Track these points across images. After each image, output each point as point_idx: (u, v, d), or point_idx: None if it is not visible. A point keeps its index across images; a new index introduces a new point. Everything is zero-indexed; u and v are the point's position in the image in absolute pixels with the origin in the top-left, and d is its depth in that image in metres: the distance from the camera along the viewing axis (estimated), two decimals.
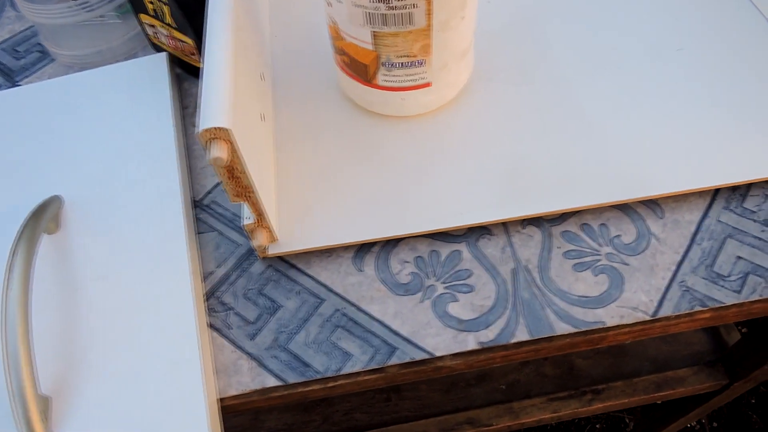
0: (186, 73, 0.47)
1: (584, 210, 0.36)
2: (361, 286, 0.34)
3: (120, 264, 0.35)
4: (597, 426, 1.13)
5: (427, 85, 0.37)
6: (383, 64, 0.35)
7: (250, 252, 0.36)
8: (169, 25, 0.43)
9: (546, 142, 0.38)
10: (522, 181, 0.36)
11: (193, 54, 0.44)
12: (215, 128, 0.26)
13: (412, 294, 0.34)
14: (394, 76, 0.36)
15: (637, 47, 0.42)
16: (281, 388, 0.32)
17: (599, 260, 0.34)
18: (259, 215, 0.32)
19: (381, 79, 0.36)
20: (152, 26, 0.45)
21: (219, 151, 0.26)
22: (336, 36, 0.36)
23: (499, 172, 0.37)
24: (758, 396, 1.16)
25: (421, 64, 0.35)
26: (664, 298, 0.32)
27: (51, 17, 0.45)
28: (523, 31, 0.44)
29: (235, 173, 0.29)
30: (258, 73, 0.37)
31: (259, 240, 0.33)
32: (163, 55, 0.46)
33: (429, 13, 0.32)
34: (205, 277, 0.35)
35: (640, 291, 0.33)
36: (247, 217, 0.33)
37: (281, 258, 0.36)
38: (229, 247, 0.37)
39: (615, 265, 0.34)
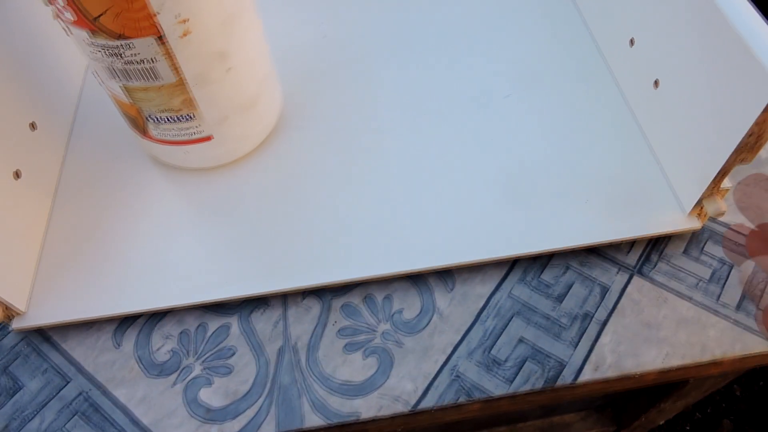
0: None
1: (371, 281, 0.33)
2: (114, 365, 0.31)
3: None
4: None
5: (208, 138, 0.34)
6: (148, 118, 0.32)
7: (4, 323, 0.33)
8: None
9: (340, 203, 0.35)
10: (309, 247, 0.33)
11: None
12: None
13: (167, 375, 0.31)
14: (165, 129, 0.33)
15: (464, 94, 0.39)
16: None
17: (373, 339, 0.31)
18: None
19: (153, 132, 0.33)
20: None
21: None
22: (103, 85, 0.33)
23: (285, 236, 0.34)
24: (693, 423, 1.15)
25: (189, 118, 0.32)
26: (431, 387, 0.29)
27: None
28: (351, 72, 0.41)
29: None
30: (23, 123, 0.34)
31: None
32: None
33: (175, 68, 0.29)
34: None
35: (407, 377, 0.30)
36: None
37: (38, 330, 0.33)
38: None
39: (389, 345, 0.31)
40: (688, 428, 1.15)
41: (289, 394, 0.30)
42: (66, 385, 0.31)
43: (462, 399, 0.29)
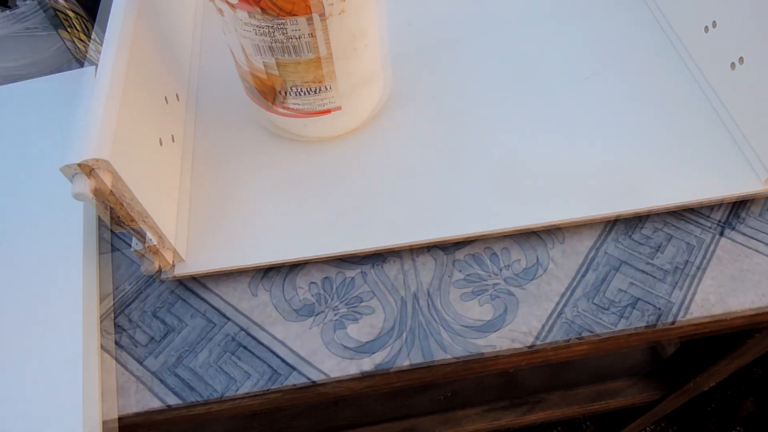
0: None
1: (483, 237, 0.37)
2: (266, 307, 0.35)
3: (8, 276, 0.35)
4: (556, 429, 1.15)
5: (336, 109, 0.38)
6: (289, 91, 0.36)
7: (160, 270, 0.37)
8: (84, 32, 0.43)
9: (451, 169, 0.39)
10: (424, 206, 0.37)
11: None
12: (94, 159, 0.27)
13: (308, 317, 0.35)
14: (301, 101, 0.37)
15: (548, 74, 0.43)
16: (182, 408, 0.33)
17: (491, 287, 0.35)
18: (159, 238, 0.33)
19: (290, 103, 0.37)
20: (71, 41, 0.46)
21: (82, 187, 0.27)
22: (237, 64, 0.37)
23: (402, 197, 0.38)
24: (716, 402, 1.19)
25: (327, 89, 0.36)
26: (546, 328, 0.33)
27: None
28: (440, 55, 0.45)
29: (119, 202, 0.29)
30: (163, 95, 0.38)
31: (154, 264, 0.34)
32: (90, 69, 0.46)
33: (327, 42, 0.33)
34: (103, 298, 0.36)
35: (524, 320, 0.34)
36: (136, 243, 0.33)
37: (188, 279, 0.37)
38: (129, 269, 0.37)
39: (505, 293, 0.35)
40: (709, 408, 1.19)
41: (424, 331, 0.34)
42: (226, 323, 0.35)
43: (575, 338, 0.33)
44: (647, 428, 1.17)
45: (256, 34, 0.32)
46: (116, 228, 0.30)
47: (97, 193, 0.27)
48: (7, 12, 0.45)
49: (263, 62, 0.34)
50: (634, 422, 0.76)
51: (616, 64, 0.43)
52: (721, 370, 0.60)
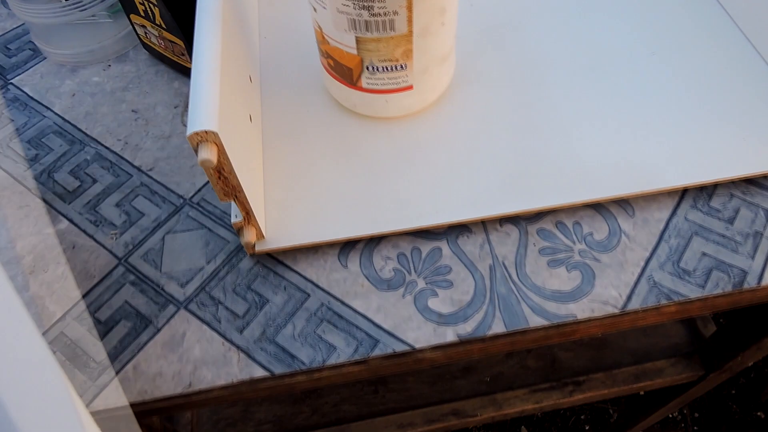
0: (176, 72, 0.48)
1: (559, 209, 0.37)
2: (345, 282, 0.36)
3: None
4: (582, 417, 1.16)
5: (409, 88, 0.38)
6: (367, 68, 0.37)
7: (239, 248, 0.38)
8: (159, 26, 0.44)
9: (523, 144, 0.39)
10: (500, 180, 0.38)
11: (183, 54, 0.45)
12: (204, 131, 0.27)
13: (394, 289, 0.35)
14: (377, 79, 0.37)
15: (612, 51, 0.44)
16: (269, 380, 0.33)
17: (572, 257, 0.36)
18: (247, 214, 0.33)
19: (364, 81, 0.38)
20: (143, 26, 0.46)
21: (207, 154, 0.27)
22: (322, 40, 0.37)
23: (478, 172, 0.38)
24: (738, 387, 1.19)
25: (403, 68, 0.37)
26: (633, 293, 0.34)
27: (42, 16, 0.46)
28: (503, 34, 0.46)
29: (223, 174, 0.30)
30: (246, 75, 0.38)
31: (247, 237, 0.34)
32: None
33: (410, 20, 0.34)
34: (195, 272, 0.37)
35: (610, 286, 0.34)
36: (236, 215, 0.34)
37: (269, 254, 0.37)
38: (219, 244, 0.38)
39: (587, 261, 0.35)
40: (733, 392, 1.20)
41: (509, 301, 0.34)
42: (308, 299, 0.35)
43: (663, 301, 0.34)
44: (669, 414, 1.19)
45: (353, 8, 0.33)
46: (225, 199, 0.31)
47: (206, 163, 0.28)
48: (65, 1, 0.46)
49: (351, 38, 0.35)
50: (673, 401, 0.76)
51: (679, 41, 0.44)
52: (764, 347, 0.60)
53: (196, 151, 0.28)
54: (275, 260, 0.37)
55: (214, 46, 0.31)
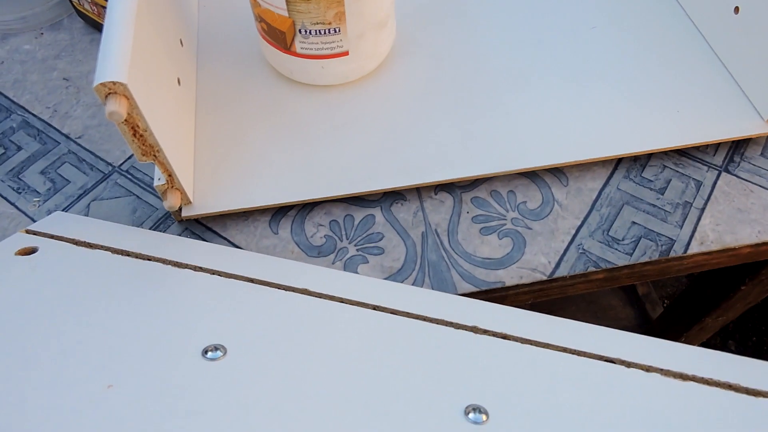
0: None
1: (494, 177, 0.37)
2: (275, 249, 0.35)
3: None
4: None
5: (345, 53, 0.38)
6: (299, 31, 0.36)
7: (168, 215, 0.37)
8: None
9: (461, 114, 0.39)
10: (436, 149, 0.37)
11: None
12: (111, 82, 0.26)
13: (325, 255, 0.35)
14: (310, 43, 0.37)
15: (553, 25, 0.44)
16: None
17: (504, 225, 0.35)
18: (170, 176, 0.32)
19: (298, 46, 0.37)
20: None
21: (115, 106, 0.26)
22: (254, 3, 0.36)
23: (415, 141, 0.38)
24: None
25: (336, 32, 0.36)
26: (562, 260, 0.34)
27: None
28: (444, 7, 0.45)
29: (138, 131, 0.29)
30: (176, 38, 0.37)
31: (171, 201, 0.33)
32: None
33: None
34: None
35: (540, 253, 0.34)
36: (159, 178, 0.33)
37: (197, 221, 0.36)
38: (146, 211, 0.37)
39: (519, 229, 0.35)
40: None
41: (439, 267, 0.34)
42: None
43: (591, 268, 0.34)
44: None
45: None
46: (143, 159, 0.30)
47: (114, 116, 0.27)
48: None
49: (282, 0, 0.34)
50: None
51: (618, 14, 0.44)
52: (706, 327, 0.61)
53: (104, 103, 0.27)
54: (204, 227, 0.36)
55: (130, 3, 0.29)
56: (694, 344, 0.64)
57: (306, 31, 0.36)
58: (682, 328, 0.63)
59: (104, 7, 0.43)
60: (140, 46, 0.29)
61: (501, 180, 0.37)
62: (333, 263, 0.34)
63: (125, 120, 0.28)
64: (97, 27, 0.46)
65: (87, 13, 0.45)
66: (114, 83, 0.26)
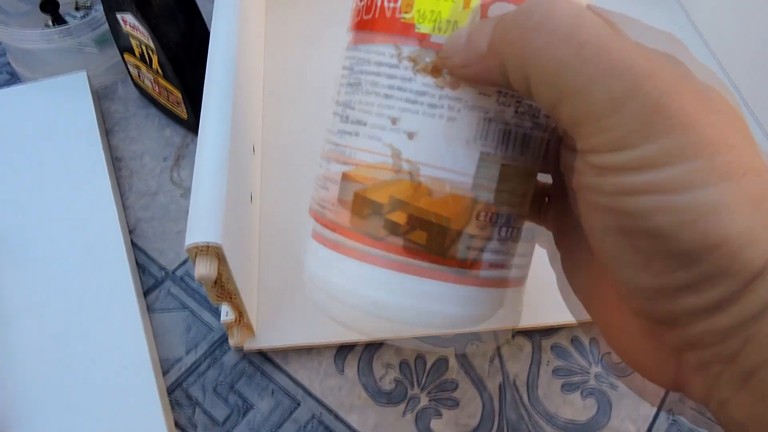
0: (169, 119, 0.44)
1: (575, 324, 0.35)
2: (341, 391, 0.32)
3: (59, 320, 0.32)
4: None
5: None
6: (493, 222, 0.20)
7: (224, 338, 0.34)
8: (155, 71, 0.40)
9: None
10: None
11: (179, 104, 0.41)
12: (205, 245, 0.24)
13: (395, 404, 0.32)
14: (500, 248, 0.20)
15: None
16: None
17: (587, 381, 0.33)
18: (240, 314, 0.30)
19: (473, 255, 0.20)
20: (137, 67, 0.42)
21: (206, 269, 0.24)
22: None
23: None
24: None
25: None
26: (651, 429, 0.32)
27: (26, 42, 0.42)
28: None
29: (219, 282, 0.26)
30: (250, 146, 0.35)
31: (237, 339, 0.31)
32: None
33: None
34: (173, 364, 0.33)
35: (627, 419, 0.32)
36: (226, 313, 0.30)
37: (259, 352, 0.34)
38: (202, 331, 0.34)
39: (603, 387, 0.33)
40: None
41: (519, 429, 0.31)
42: (297, 407, 0.32)
43: None
44: None
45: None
46: (217, 302, 0.27)
47: (204, 279, 0.24)
48: (59, 27, 0.41)
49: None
50: None
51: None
52: None
53: (193, 262, 0.24)
54: (263, 357, 0.33)
55: (223, 132, 0.27)
56: None
57: (503, 226, 0.20)
58: None
59: (167, 89, 0.41)
60: (231, 189, 0.26)
61: (582, 326, 0.35)
62: (404, 414, 0.32)
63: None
64: (154, 102, 0.44)
65: (145, 88, 0.43)
66: (208, 246, 0.24)
